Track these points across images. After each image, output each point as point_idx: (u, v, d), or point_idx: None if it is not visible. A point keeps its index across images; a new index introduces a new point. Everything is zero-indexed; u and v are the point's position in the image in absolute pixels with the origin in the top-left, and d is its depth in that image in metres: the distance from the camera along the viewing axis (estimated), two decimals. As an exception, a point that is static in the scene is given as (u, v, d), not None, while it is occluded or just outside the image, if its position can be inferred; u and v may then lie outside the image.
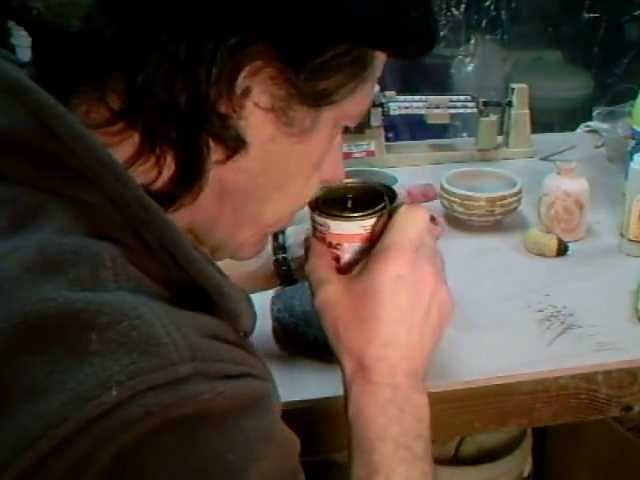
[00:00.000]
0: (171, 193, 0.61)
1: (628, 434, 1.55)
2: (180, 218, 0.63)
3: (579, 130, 1.80)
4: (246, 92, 0.59)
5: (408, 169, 1.59)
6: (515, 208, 1.36)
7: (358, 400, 0.69)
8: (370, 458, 0.67)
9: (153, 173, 0.61)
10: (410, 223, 0.72)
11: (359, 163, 1.55)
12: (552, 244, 1.27)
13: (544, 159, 1.63)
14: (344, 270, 0.74)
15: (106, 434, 0.47)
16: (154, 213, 0.58)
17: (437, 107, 1.62)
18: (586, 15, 2.74)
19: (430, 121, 1.64)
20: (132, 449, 0.48)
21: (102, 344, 0.50)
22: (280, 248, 0.92)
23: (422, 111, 1.63)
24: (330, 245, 0.75)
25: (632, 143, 1.42)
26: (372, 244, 0.72)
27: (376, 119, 1.60)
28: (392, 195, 0.76)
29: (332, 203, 0.75)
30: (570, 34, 2.82)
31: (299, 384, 0.96)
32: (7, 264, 0.54)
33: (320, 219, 0.74)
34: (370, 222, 0.73)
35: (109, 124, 0.59)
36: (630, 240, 1.27)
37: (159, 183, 0.61)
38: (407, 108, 1.62)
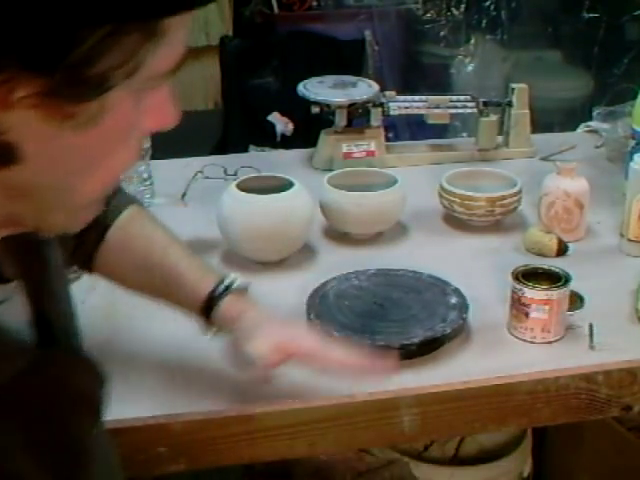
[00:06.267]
0: None
1: (628, 434, 1.55)
2: None
3: (579, 130, 1.79)
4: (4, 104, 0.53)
5: (408, 169, 1.58)
6: (515, 208, 1.36)
7: None
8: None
9: None
10: None
11: (359, 163, 1.55)
12: (552, 244, 1.27)
13: (544, 159, 1.63)
14: (531, 322, 1.05)
15: None
16: None
17: (437, 107, 1.62)
18: (586, 15, 2.74)
19: (430, 121, 1.64)
20: None
21: None
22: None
23: (422, 111, 1.63)
24: (523, 304, 1.05)
25: (632, 143, 1.42)
26: (551, 307, 1.05)
27: (376, 119, 1.60)
28: (568, 277, 1.07)
29: (528, 276, 1.07)
30: (570, 34, 2.82)
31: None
32: None
33: (518, 285, 1.05)
34: (551, 292, 1.05)
35: None
36: (630, 240, 1.27)
37: None
38: (407, 108, 1.62)
